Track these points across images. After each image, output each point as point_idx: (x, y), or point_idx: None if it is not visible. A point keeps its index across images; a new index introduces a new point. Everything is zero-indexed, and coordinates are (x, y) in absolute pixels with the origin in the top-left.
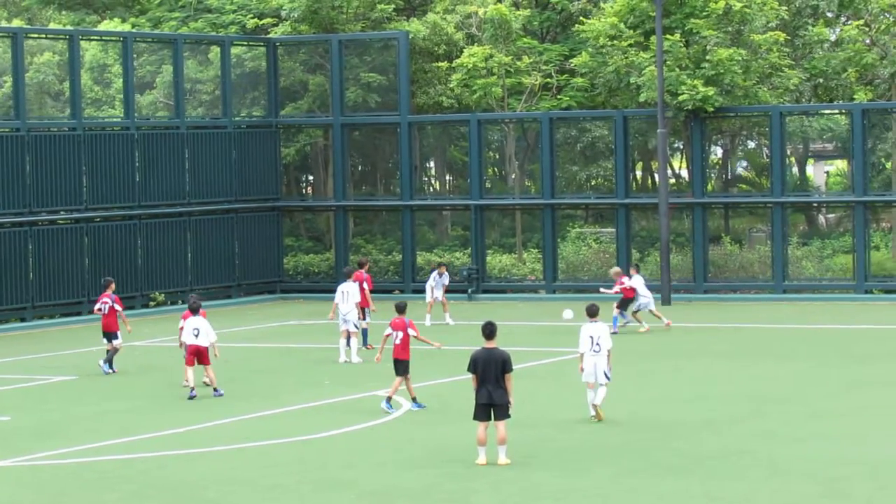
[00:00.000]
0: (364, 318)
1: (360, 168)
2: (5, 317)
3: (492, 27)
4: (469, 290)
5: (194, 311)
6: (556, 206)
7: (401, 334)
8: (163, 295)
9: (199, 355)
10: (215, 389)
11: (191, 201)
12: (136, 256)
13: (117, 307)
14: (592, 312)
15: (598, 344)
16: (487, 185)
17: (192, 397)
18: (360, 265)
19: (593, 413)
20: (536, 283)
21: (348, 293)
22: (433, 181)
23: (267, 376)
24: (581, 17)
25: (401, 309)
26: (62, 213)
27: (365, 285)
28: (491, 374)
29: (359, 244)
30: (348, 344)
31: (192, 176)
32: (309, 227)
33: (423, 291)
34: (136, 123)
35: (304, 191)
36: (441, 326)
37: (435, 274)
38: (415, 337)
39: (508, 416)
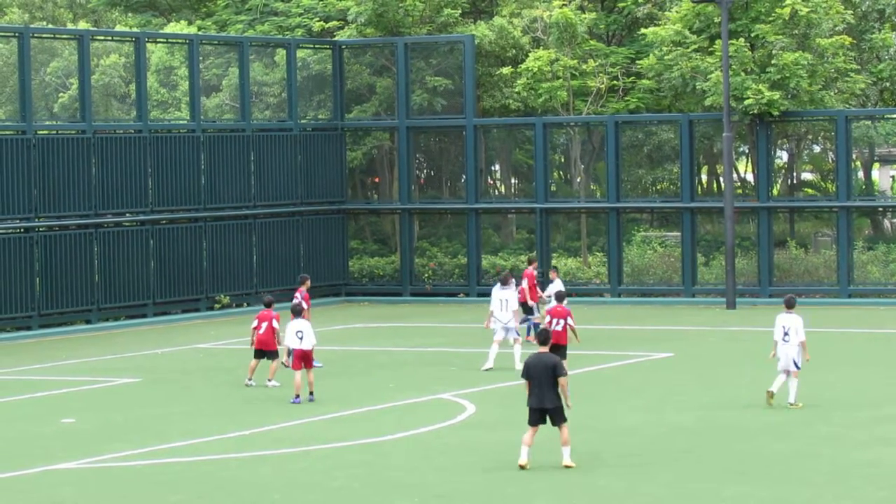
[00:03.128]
0: (534, 314)
1: (425, 171)
2: (71, 318)
3: (557, 31)
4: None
5: (296, 313)
6: (622, 210)
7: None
8: (228, 297)
9: (304, 359)
10: (311, 393)
11: (256, 204)
12: (201, 259)
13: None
14: (790, 304)
15: (787, 334)
16: (553, 188)
17: (295, 402)
18: (530, 262)
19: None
20: (602, 287)
21: (507, 301)
22: (498, 184)
23: (331, 379)
24: (647, 21)
25: (561, 297)
26: (128, 215)
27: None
28: (542, 378)
29: (424, 247)
30: (499, 349)
31: (258, 179)
32: (374, 230)
33: (488, 295)
34: (201, 126)
35: (369, 194)
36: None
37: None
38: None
39: (565, 419)
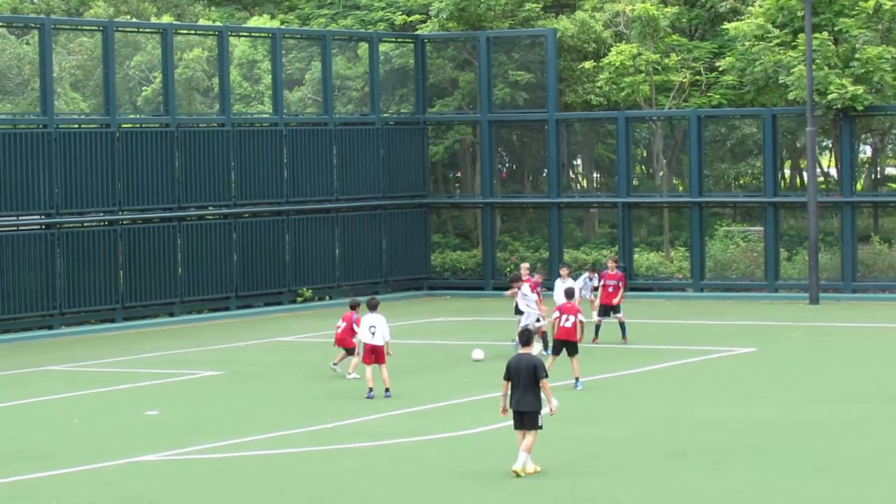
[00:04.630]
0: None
1: (507, 165)
2: (155, 311)
3: (640, 25)
4: None
5: (372, 308)
6: (704, 205)
7: (572, 318)
8: (310, 291)
9: (375, 354)
10: (387, 390)
11: (339, 197)
12: (284, 252)
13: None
14: None
15: None
16: (635, 182)
17: (369, 398)
18: (615, 262)
19: None
20: (684, 282)
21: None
22: (580, 178)
23: (411, 373)
24: (730, 16)
25: (570, 295)
26: (211, 208)
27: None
28: (521, 380)
29: (506, 241)
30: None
31: (340, 172)
32: (456, 224)
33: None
34: (284, 119)
35: (451, 188)
36: (587, 325)
37: (585, 277)
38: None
39: (539, 426)
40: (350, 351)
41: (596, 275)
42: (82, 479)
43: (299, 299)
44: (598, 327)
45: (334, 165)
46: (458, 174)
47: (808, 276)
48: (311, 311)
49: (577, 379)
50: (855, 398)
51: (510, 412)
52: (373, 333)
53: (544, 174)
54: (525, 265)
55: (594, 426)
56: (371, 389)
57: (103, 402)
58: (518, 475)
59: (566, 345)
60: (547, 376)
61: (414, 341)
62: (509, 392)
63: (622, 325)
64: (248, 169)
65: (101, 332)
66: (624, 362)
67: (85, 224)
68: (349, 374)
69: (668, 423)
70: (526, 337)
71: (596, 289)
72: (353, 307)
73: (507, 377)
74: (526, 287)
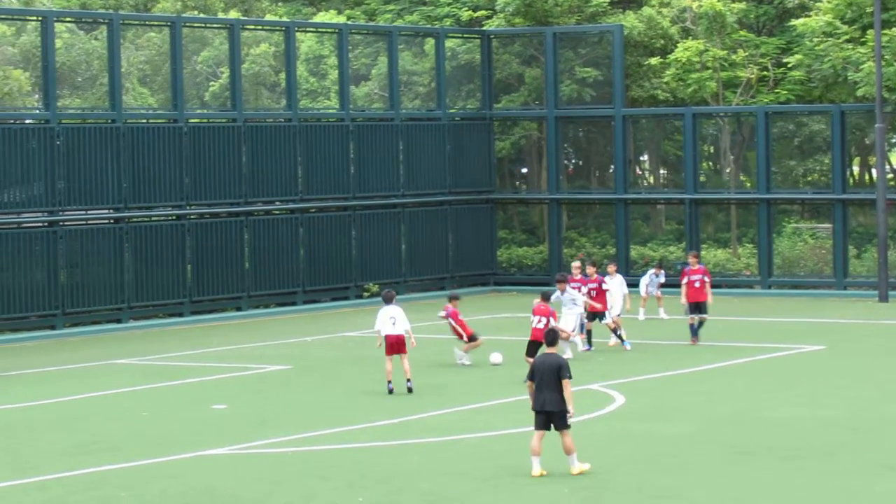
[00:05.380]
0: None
1: (573, 161)
2: (222, 306)
3: (707, 21)
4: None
5: (388, 300)
6: (772, 201)
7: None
8: (377, 286)
9: (397, 344)
10: (408, 380)
11: (405, 193)
12: (350, 247)
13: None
14: None
15: None
16: (702, 179)
17: (390, 391)
18: (696, 257)
19: None
20: (752, 279)
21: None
22: (647, 175)
23: (478, 370)
24: (798, 11)
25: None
26: (277, 203)
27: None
28: (546, 380)
29: (572, 237)
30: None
31: (406, 168)
32: (523, 220)
33: (636, 285)
34: (350, 115)
35: (517, 184)
36: (654, 321)
37: (652, 273)
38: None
39: (567, 426)
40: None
41: (662, 271)
42: (152, 472)
43: (366, 294)
44: (692, 326)
45: (400, 161)
46: (524, 170)
47: (877, 274)
48: (377, 306)
49: None
50: None
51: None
52: (393, 323)
53: (610, 170)
54: (576, 263)
55: (662, 422)
56: (390, 382)
57: (171, 395)
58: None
59: (538, 346)
60: (571, 377)
61: (481, 337)
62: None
63: (701, 324)
64: (315, 164)
65: (169, 325)
66: (692, 359)
67: (153, 218)
68: (459, 360)
69: (735, 420)
70: (551, 337)
71: (663, 285)
72: (452, 299)
73: (531, 377)
74: (570, 289)
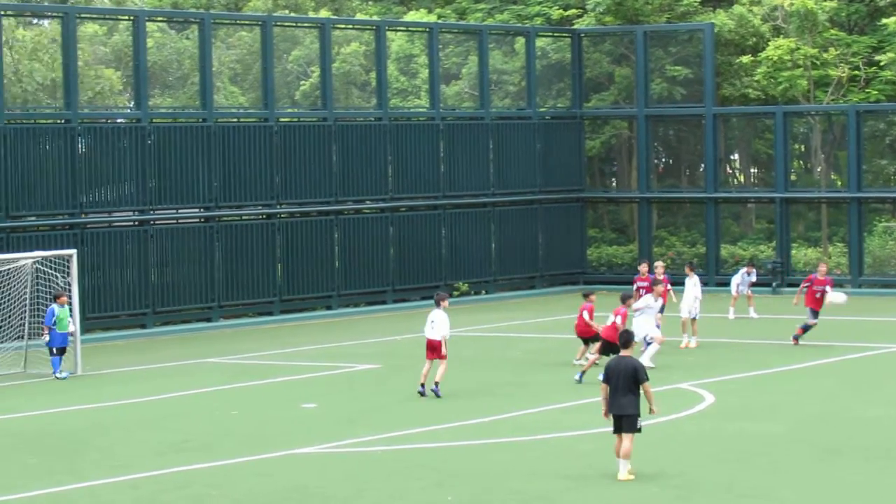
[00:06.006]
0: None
1: (663, 160)
2: (312, 305)
3: (798, 19)
4: (774, 284)
5: (437, 303)
6: (863, 200)
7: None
8: (466, 285)
9: (433, 349)
10: (436, 384)
11: (495, 192)
12: (440, 246)
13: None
14: None
15: None
16: (793, 178)
17: (420, 392)
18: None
19: None
20: (842, 278)
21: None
22: (737, 173)
23: (567, 368)
24: (890, 9)
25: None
26: (367, 202)
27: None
28: (620, 383)
29: (662, 236)
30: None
31: (496, 166)
32: (612, 219)
33: (727, 284)
34: (441, 114)
35: (607, 182)
36: (744, 320)
37: (743, 272)
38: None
39: (637, 429)
40: (587, 341)
41: (755, 270)
42: (242, 470)
43: (455, 293)
44: (808, 327)
45: (490, 160)
46: (615, 168)
47: None
48: (467, 305)
49: None
50: None
51: (611, 417)
52: (432, 328)
53: (701, 169)
54: (643, 265)
55: (751, 421)
56: (423, 385)
57: (261, 394)
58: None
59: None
60: (648, 379)
61: (566, 336)
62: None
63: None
64: (405, 163)
65: (259, 324)
66: (781, 358)
67: (243, 217)
68: (576, 359)
69: (825, 420)
70: (625, 339)
71: (754, 284)
72: (586, 295)
73: (606, 380)
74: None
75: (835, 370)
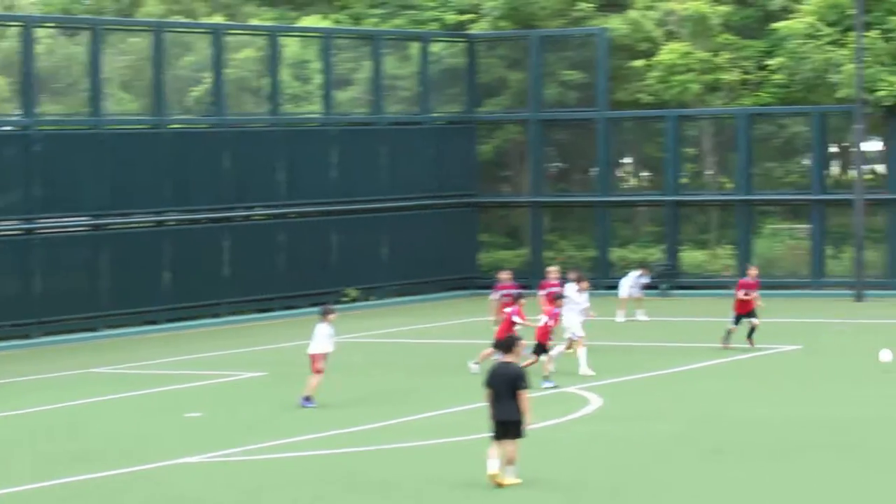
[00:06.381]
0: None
1: (556, 164)
2: (200, 312)
3: (691, 24)
4: (663, 287)
5: (322, 315)
6: (752, 203)
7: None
8: (357, 291)
9: (315, 362)
10: (308, 398)
11: (388, 197)
12: (331, 252)
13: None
14: None
15: None
16: (683, 180)
17: (305, 406)
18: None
19: None
20: (730, 280)
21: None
22: (629, 177)
23: (455, 374)
24: (782, 14)
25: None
26: (259, 209)
27: None
28: (503, 389)
29: (553, 240)
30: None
31: (390, 172)
32: (505, 223)
33: (615, 288)
34: (334, 119)
35: (499, 187)
36: (634, 323)
37: (635, 275)
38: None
39: (521, 435)
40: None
41: (648, 272)
42: (129, 481)
43: (344, 299)
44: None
45: (384, 165)
46: (508, 173)
47: (853, 274)
48: (357, 311)
49: None
50: None
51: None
52: (315, 342)
53: (593, 173)
54: (504, 273)
55: (639, 423)
56: (308, 398)
57: (146, 404)
58: (500, 485)
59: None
60: (527, 387)
61: (459, 341)
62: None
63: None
64: (298, 169)
65: (146, 333)
66: (669, 361)
67: (132, 225)
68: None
69: (713, 421)
70: (508, 344)
71: (647, 286)
72: (516, 299)
73: (488, 385)
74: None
75: (722, 371)
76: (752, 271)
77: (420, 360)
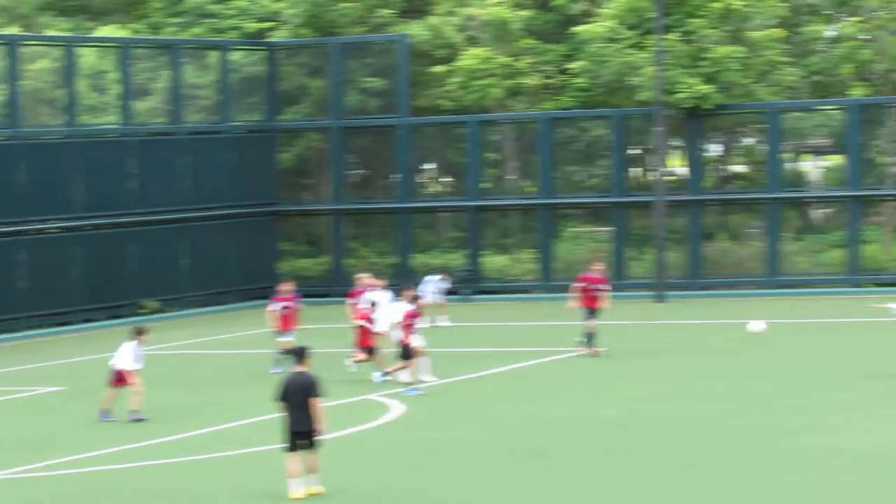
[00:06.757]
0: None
1: (359, 171)
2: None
3: (492, 29)
4: (465, 292)
5: (133, 335)
6: (553, 206)
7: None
8: (157, 302)
9: (121, 379)
10: (134, 411)
11: (188, 207)
12: (131, 264)
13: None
14: None
15: None
16: (486, 185)
17: (107, 419)
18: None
19: None
20: (533, 283)
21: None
22: (431, 183)
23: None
24: (582, 18)
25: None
26: (55, 221)
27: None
28: (299, 399)
29: (355, 248)
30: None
31: (190, 181)
32: (306, 232)
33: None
34: (132, 130)
35: (301, 195)
36: (436, 329)
37: (437, 280)
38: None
39: (318, 445)
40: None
41: (449, 277)
42: None
43: (142, 311)
44: (590, 336)
45: (183, 175)
46: (310, 181)
47: (655, 274)
48: (158, 322)
49: None
50: (702, 395)
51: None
52: (120, 358)
53: (395, 179)
54: (285, 285)
55: (440, 429)
56: (107, 412)
57: None
58: (309, 494)
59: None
60: (321, 395)
61: (260, 350)
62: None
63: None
64: (95, 181)
65: None
66: (472, 365)
67: None
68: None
69: (515, 424)
70: (299, 354)
71: (451, 292)
72: (415, 299)
73: (283, 398)
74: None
75: (524, 375)
76: (597, 265)
77: (218, 371)
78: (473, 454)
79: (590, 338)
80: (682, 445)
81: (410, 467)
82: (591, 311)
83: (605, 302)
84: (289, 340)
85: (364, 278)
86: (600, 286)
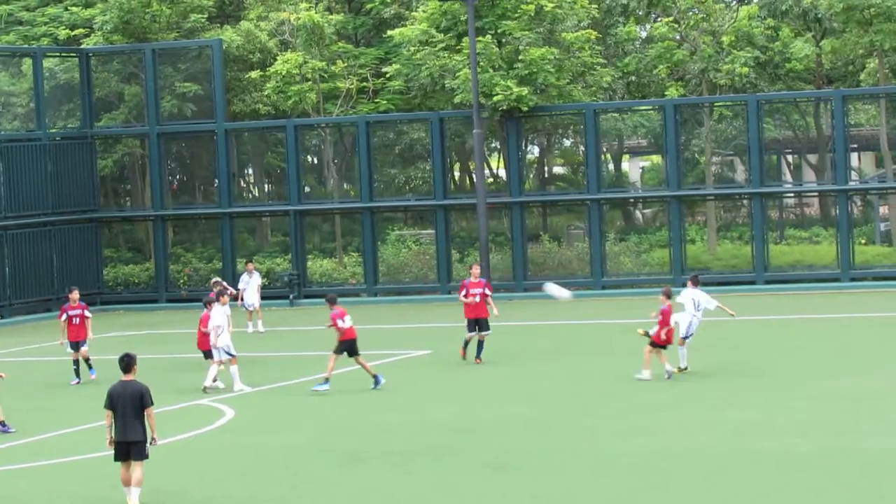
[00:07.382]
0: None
1: (178, 177)
2: None
3: (305, 33)
4: (291, 297)
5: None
6: (375, 210)
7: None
8: None
9: None
10: (2, 424)
11: (6, 215)
12: None
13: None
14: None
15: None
16: (307, 189)
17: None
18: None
19: None
20: (358, 287)
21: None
22: (252, 188)
23: (84, 389)
24: (395, 21)
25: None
26: None
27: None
28: (127, 409)
29: (179, 253)
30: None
31: (7, 190)
32: (128, 238)
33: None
34: None
35: (122, 201)
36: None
37: (244, 275)
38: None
39: (146, 456)
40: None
41: (256, 270)
42: None
43: None
44: (479, 343)
45: (1, 183)
46: (129, 187)
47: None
48: None
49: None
50: (528, 396)
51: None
52: None
53: (215, 184)
54: (73, 293)
55: (271, 434)
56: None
57: None
58: None
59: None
60: (153, 404)
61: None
62: (113, 423)
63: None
64: None
65: None
66: (300, 370)
67: None
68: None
69: (346, 428)
70: (126, 362)
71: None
72: (206, 304)
73: (110, 406)
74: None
75: (354, 378)
76: (475, 269)
77: (41, 378)
78: (302, 459)
79: (478, 346)
80: (504, 447)
81: (239, 472)
82: (472, 323)
83: (492, 308)
84: (84, 350)
85: (219, 285)
86: (480, 291)
